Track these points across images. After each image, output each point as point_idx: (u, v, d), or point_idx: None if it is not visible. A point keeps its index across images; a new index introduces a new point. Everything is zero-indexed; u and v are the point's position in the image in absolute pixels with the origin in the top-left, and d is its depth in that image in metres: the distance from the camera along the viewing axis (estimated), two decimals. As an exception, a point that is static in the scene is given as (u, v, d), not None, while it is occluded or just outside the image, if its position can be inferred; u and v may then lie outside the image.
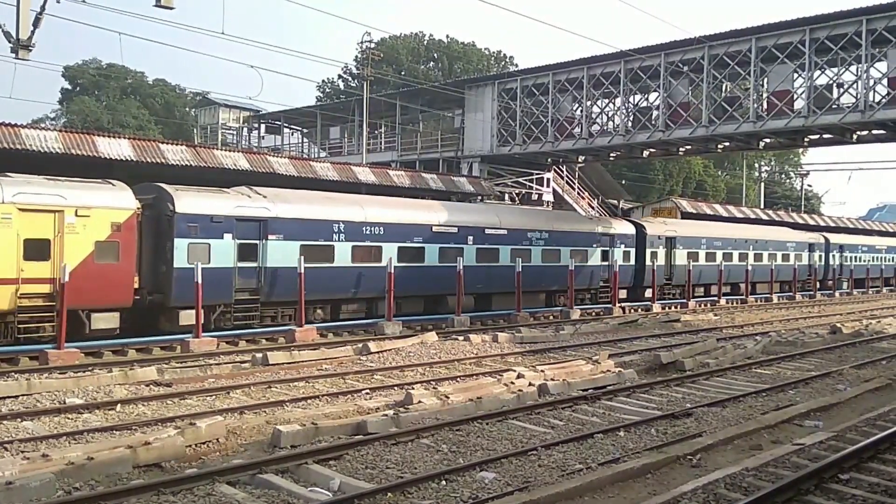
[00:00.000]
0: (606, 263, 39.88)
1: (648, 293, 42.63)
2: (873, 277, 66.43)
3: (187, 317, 24.18)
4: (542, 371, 19.26)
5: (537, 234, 36.44)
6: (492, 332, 27.65)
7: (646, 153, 46.05)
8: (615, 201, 60.60)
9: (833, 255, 62.00)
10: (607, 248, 40.42)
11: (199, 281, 23.50)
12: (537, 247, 36.33)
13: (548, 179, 51.38)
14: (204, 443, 12.88)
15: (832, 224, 74.78)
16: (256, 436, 13.58)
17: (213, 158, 31.12)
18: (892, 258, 72.99)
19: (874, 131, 37.10)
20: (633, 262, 42.27)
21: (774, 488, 10.44)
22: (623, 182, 76.51)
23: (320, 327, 27.55)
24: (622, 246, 41.40)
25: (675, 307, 42.66)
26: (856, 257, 65.29)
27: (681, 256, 45.30)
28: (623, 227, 42.62)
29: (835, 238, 63.34)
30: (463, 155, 48.74)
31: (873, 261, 67.76)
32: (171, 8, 24.19)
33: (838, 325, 32.63)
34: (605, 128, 42.56)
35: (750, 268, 49.71)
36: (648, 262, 42.80)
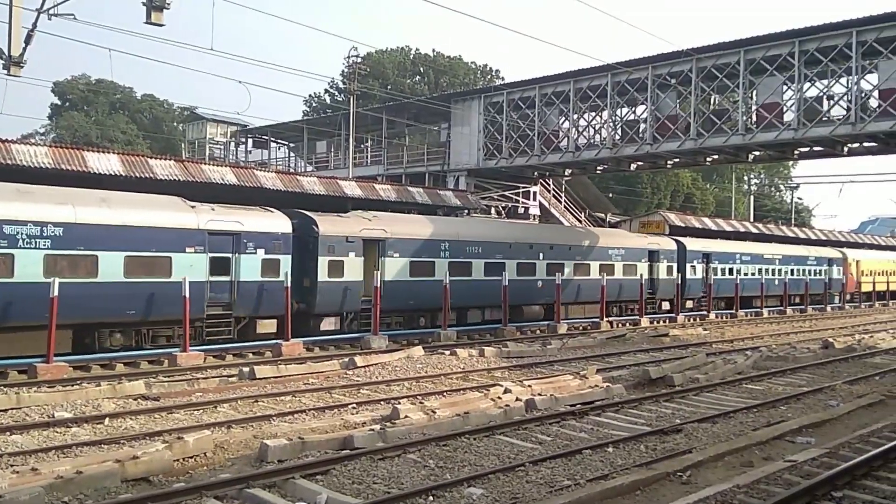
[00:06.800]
0: (226, 279, 26.47)
1: (327, 324, 29.92)
2: (751, 296, 52.11)
3: None
4: (530, 386, 19.22)
5: (32, 230, 22.11)
6: (478, 347, 27.73)
7: (633, 166, 46.05)
8: (602, 215, 60.66)
9: (693, 267, 48.02)
10: (228, 255, 26.51)
11: None
12: (30, 250, 21.99)
13: (534, 193, 51.36)
14: (191, 457, 12.87)
15: (706, 227, 58.95)
16: (244, 450, 13.53)
17: (201, 173, 31.15)
18: (790, 270, 57.24)
19: (865, 143, 36.96)
20: (280, 276, 27.30)
21: (765, 506, 10.35)
22: (610, 195, 76.55)
23: (306, 341, 27.49)
24: (260, 251, 27.20)
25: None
26: (729, 269, 50.84)
27: (399, 269, 31.75)
28: (263, 223, 27.80)
29: (695, 244, 49.19)
30: (449, 169, 48.69)
31: (756, 274, 53.06)
32: (161, 25, 24.28)
33: (830, 339, 32.51)
34: (592, 141, 42.40)
35: (542, 282, 37.51)
36: (325, 276, 29.11)
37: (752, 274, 52.66)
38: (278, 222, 28.21)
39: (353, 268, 29.92)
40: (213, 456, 13.12)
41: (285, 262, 27.69)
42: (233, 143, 72.92)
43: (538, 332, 35.31)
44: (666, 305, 46.31)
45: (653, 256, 44.99)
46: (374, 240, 30.92)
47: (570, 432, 15.44)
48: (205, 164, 33.53)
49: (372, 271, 30.31)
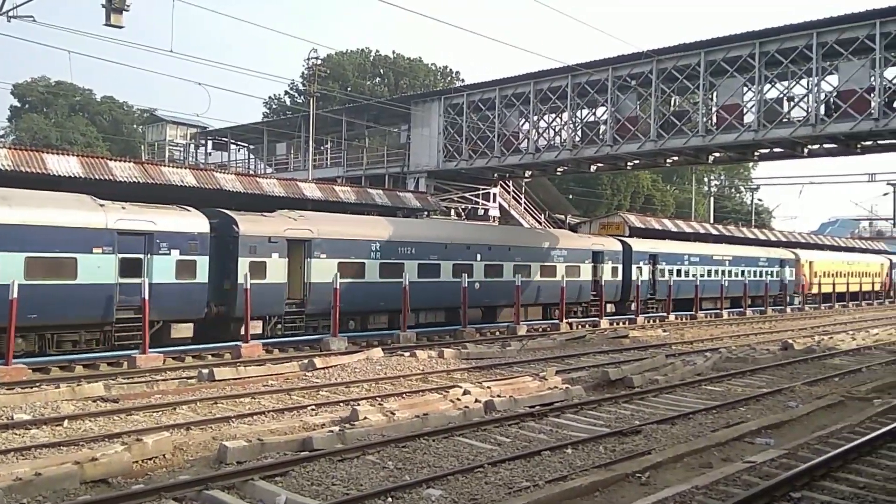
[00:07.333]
0: (137, 281, 24.60)
1: (249, 328, 27.04)
2: (710, 297, 52.04)
3: None
4: (489, 387, 19.27)
5: None
6: (438, 348, 27.71)
7: (593, 168, 45.86)
8: (562, 216, 60.78)
9: (640, 268, 46.66)
10: (140, 256, 25.13)
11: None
12: None
13: (494, 194, 51.41)
14: (150, 458, 12.83)
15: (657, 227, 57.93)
16: (203, 451, 13.50)
17: (161, 175, 31.00)
18: (741, 272, 56.33)
19: (825, 145, 36.94)
20: (196, 278, 26.35)
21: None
22: (570, 197, 76.84)
23: (266, 343, 27.27)
24: (175, 252, 25.90)
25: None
26: (677, 270, 49.77)
27: (326, 270, 29.74)
28: (178, 223, 26.37)
29: (641, 245, 48.27)
30: (409, 170, 48.62)
31: (705, 275, 52.17)
32: (121, 27, 24.16)
33: (790, 341, 32.70)
34: (552, 142, 42.32)
35: (480, 284, 35.51)
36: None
37: (702, 275, 51.47)
38: (195, 221, 26.70)
39: (277, 269, 28.58)
40: (172, 457, 13.07)
41: (202, 263, 26.46)
42: (192, 145, 72.58)
43: (497, 333, 35.28)
44: (610, 308, 44.91)
45: (597, 258, 43.83)
46: (300, 240, 29.56)
47: (530, 434, 15.47)
48: (164, 166, 33.30)
49: (298, 272, 29.47)
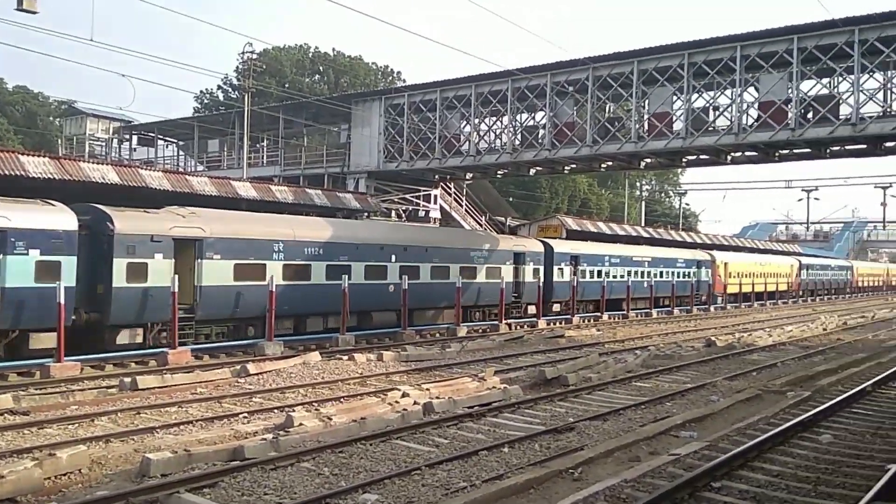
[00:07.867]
0: None
1: (126, 337, 25.47)
2: (639, 297, 52.80)
3: None
4: (428, 389, 19.19)
5: None
6: (377, 351, 27.34)
7: (532, 171, 46.82)
8: (502, 218, 61.01)
9: (561, 269, 45.57)
10: None
11: None
12: None
13: (435, 196, 51.40)
14: (65, 474, 12.15)
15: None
16: (124, 465, 12.92)
17: (80, 171, 29.55)
18: (659, 272, 56.48)
19: (747, 153, 38.78)
20: (62, 281, 22.72)
21: (650, 499, 10.74)
22: (510, 199, 77.21)
23: (195, 349, 26.18)
24: (34, 252, 22.87)
25: (562, 323, 41.94)
26: (598, 272, 49.02)
27: (220, 272, 27.80)
28: (38, 219, 23.23)
29: (563, 246, 47.40)
30: (349, 171, 48.46)
31: (630, 276, 51.69)
32: (35, 12, 23.40)
33: (713, 338, 33.98)
34: (493, 145, 43.07)
35: (394, 286, 33.76)
36: (122, 281, 24.94)
37: (622, 276, 51.08)
38: (59, 218, 23.56)
39: (160, 271, 25.61)
40: (89, 472, 12.43)
41: (69, 264, 23.39)
42: (115, 140, 70.57)
43: (437, 335, 35.21)
44: (532, 309, 43.58)
45: (518, 259, 42.54)
46: (190, 239, 26.95)
47: (468, 434, 15.49)
48: (84, 161, 32.23)
49: (188, 275, 26.85)
